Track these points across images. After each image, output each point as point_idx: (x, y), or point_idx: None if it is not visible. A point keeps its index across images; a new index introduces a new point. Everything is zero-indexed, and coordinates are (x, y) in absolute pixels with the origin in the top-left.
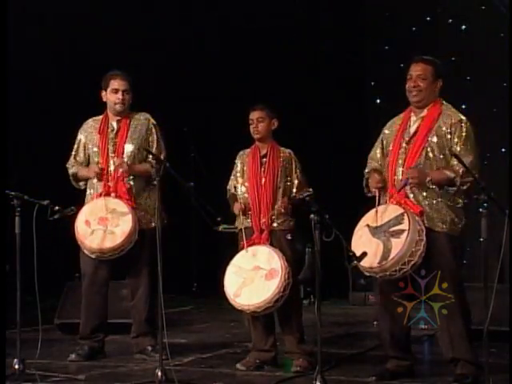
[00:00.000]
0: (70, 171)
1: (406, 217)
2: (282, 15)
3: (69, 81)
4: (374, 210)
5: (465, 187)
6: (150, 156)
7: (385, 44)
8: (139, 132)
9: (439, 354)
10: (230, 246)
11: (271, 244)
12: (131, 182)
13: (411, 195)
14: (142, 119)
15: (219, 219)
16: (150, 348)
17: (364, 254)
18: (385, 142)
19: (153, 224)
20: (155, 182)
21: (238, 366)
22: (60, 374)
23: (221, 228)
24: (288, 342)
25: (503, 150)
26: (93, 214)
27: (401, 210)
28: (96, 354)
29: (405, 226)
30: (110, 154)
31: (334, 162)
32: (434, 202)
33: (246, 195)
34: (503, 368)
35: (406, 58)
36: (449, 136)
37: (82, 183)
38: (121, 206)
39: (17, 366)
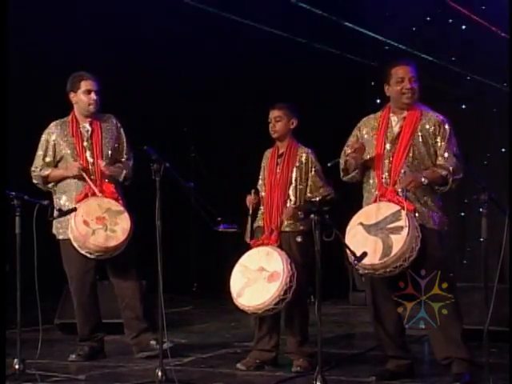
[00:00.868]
0: (41, 173)
1: (403, 213)
2: (282, 15)
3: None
4: (365, 208)
5: (454, 186)
6: (124, 159)
7: (385, 44)
8: (111, 133)
9: None
10: (230, 246)
11: (280, 246)
12: (113, 183)
13: (401, 193)
14: (110, 120)
15: (219, 219)
16: (154, 342)
17: (364, 254)
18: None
19: None
20: (126, 183)
21: (238, 365)
22: (60, 374)
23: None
24: (289, 343)
25: (503, 149)
26: (89, 214)
27: (396, 207)
28: (96, 354)
29: (403, 222)
30: (88, 156)
31: (334, 162)
32: (423, 200)
33: (263, 194)
34: (503, 368)
35: (406, 58)
36: (433, 135)
37: (50, 185)
38: (114, 205)
39: (17, 366)
